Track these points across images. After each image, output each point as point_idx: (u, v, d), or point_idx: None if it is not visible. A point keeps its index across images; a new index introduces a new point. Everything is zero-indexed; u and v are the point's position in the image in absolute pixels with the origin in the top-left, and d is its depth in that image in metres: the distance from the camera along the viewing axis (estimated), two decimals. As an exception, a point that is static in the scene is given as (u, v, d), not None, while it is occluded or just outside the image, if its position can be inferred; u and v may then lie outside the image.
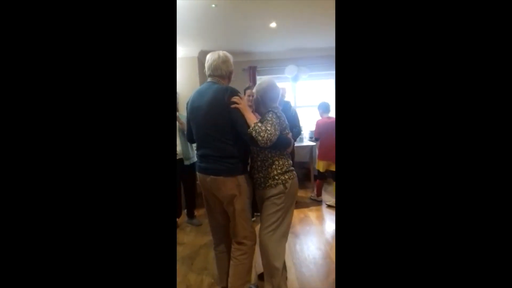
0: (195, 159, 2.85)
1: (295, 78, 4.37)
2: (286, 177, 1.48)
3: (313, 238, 2.48)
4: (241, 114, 1.34)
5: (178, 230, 2.79)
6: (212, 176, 1.41)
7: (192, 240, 2.57)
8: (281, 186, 1.47)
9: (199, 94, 1.46)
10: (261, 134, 1.28)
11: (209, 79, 1.47)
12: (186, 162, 2.75)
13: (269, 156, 1.48)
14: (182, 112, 2.71)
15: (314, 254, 2.19)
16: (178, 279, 1.93)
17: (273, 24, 3.17)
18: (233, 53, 1.52)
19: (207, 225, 2.87)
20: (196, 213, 3.02)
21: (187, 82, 4.10)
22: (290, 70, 4.28)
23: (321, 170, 3.31)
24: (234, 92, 1.38)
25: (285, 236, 1.54)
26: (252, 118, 1.34)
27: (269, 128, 1.30)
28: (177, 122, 2.71)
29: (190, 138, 1.60)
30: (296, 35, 3.64)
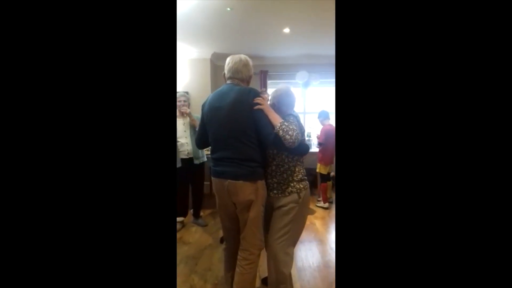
0: (205, 159, 2.89)
1: (306, 84, 4.38)
2: (301, 186, 1.45)
3: (318, 246, 2.46)
4: (265, 115, 1.33)
5: (183, 230, 2.80)
6: (230, 180, 1.37)
7: (197, 240, 2.58)
8: (296, 195, 1.43)
9: (219, 96, 1.43)
10: (289, 132, 1.25)
11: (228, 81, 1.46)
12: (196, 161, 2.77)
13: (286, 161, 1.44)
14: (195, 113, 2.75)
15: (318, 262, 2.17)
16: (182, 278, 1.94)
17: (286, 30, 3.19)
18: (235, 55, 1.51)
19: (212, 226, 2.90)
20: (202, 213, 3.04)
21: (198, 83, 4.15)
22: (301, 76, 4.29)
23: (324, 172, 3.46)
24: (258, 93, 1.37)
25: (294, 244, 1.52)
26: (277, 118, 1.32)
27: (295, 128, 1.29)
28: (188, 122, 2.74)
29: (200, 141, 1.58)
30: (308, 41, 3.65)
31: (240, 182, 1.35)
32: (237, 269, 1.48)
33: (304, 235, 2.64)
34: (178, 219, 2.83)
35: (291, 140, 1.25)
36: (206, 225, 2.90)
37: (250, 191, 1.36)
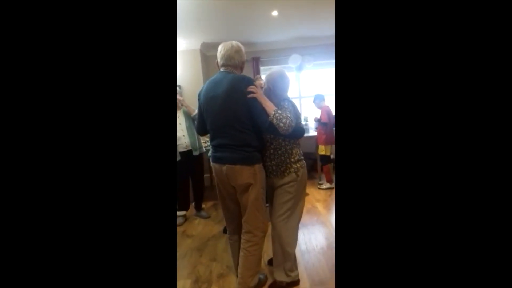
0: (203, 150, 2.89)
1: (299, 68, 4.31)
2: (298, 165, 1.54)
3: (321, 228, 2.48)
4: (259, 103, 1.36)
5: (186, 223, 2.82)
6: (228, 165, 1.41)
7: (200, 232, 2.59)
8: (294, 174, 1.51)
9: (213, 84, 1.45)
10: (283, 121, 1.30)
11: (222, 69, 1.48)
12: (195, 153, 2.76)
13: (283, 144, 1.51)
14: (188, 105, 2.73)
15: (321, 244, 2.19)
16: (188, 270, 1.96)
17: (274, 13, 3.11)
18: (227, 42, 1.50)
19: (215, 217, 2.92)
20: (203, 205, 3.05)
21: (189, 75, 4.09)
22: (293, 59, 4.22)
23: (327, 153, 3.46)
24: (251, 81, 1.40)
25: (297, 222, 1.60)
26: (271, 106, 1.35)
27: (289, 115, 1.33)
28: (182, 114, 2.71)
29: (201, 129, 1.60)
30: (298, 23, 3.57)
31: (238, 166, 1.40)
32: (241, 253, 1.52)
33: (307, 218, 2.66)
34: (181, 213, 2.84)
35: (285, 128, 1.31)
36: (208, 217, 2.92)
37: (248, 175, 1.41)
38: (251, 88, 1.36)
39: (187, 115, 2.74)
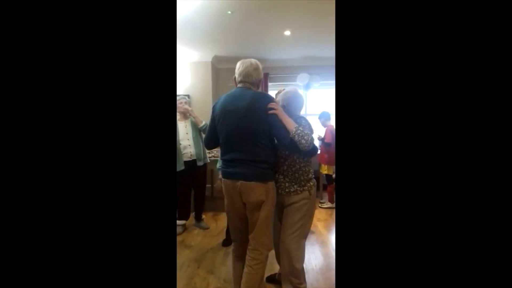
0: (207, 160, 2.91)
1: (307, 86, 4.39)
2: (311, 184, 1.56)
3: (321, 248, 2.45)
4: (279, 120, 1.38)
5: (185, 233, 2.80)
6: (242, 181, 1.40)
7: (199, 243, 2.57)
8: (307, 192, 1.53)
9: (232, 98, 1.46)
10: (305, 137, 1.34)
11: (240, 85, 1.50)
12: (199, 163, 2.78)
13: (297, 161, 1.52)
14: (196, 115, 2.77)
15: (321, 264, 2.16)
16: (184, 281, 1.93)
17: (287, 32, 3.21)
18: (246, 59, 1.55)
19: (214, 229, 2.90)
20: (203, 216, 3.03)
21: (200, 86, 4.17)
22: (302, 78, 4.30)
23: (330, 173, 3.48)
24: (272, 98, 1.46)
25: (305, 238, 1.62)
26: (292, 123, 1.38)
27: (309, 133, 1.38)
28: (189, 124, 2.75)
29: (210, 142, 1.60)
30: (309, 44, 3.67)
31: (252, 183, 1.39)
32: (245, 269, 1.50)
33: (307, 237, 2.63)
34: (180, 222, 2.82)
35: (307, 145, 1.35)
36: (208, 228, 2.90)
37: (261, 192, 1.40)
38: (272, 105, 1.39)
39: (195, 125, 2.78)
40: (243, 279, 1.51)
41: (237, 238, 1.61)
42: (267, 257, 1.52)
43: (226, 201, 1.54)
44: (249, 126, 1.39)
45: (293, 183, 1.53)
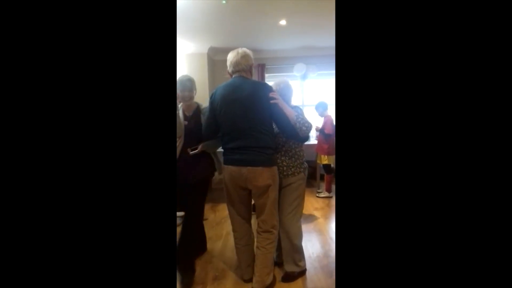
0: None
1: (304, 77, 4.36)
2: (305, 166, 1.76)
3: (318, 236, 2.49)
4: (280, 108, 1.48)
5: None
6: (249, 167, 1.47)
7: (197, 234, 2.60)
8: (302, 174, 1.72)
9: (232, 88, 1.51)
10: (305, 125, 1.48)
11: (235, 75, 1.56)
12: None
13: (293, 147, 1.70)
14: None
15: (318, 252, 2.20)
16: (183, 271, 1.96)
17: (283, 22, 3.17)
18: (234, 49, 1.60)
19: (212, 220, 2.93)
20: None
21: (195, 77, 4.07)
22: (298, 68, 4.27)
23: (330, 163, 3.51)
24: (271, 88, 1.54)
25: (300, 217, 1.79)
26: (292, 112, 1.50)
27: (308, 120, 1.51)
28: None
29: (210, 132, 1.64)
30: (305, 34, 3.63)
31: (260, 168, 1.48)
32: (259, 251, 1.61)
33: (304, 226, 2.66)
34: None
35: (307, 131, 1.50)
36: (206, 219, 2.93)
37: (268, 176, 1.50)
38: (273, 94, 1.48)
39: None
40: (257, 262, 1.61)
41: (241, 227, 1.69)
42: (277, 236, 1.64)
43: (229, 189, 1.59)
44: (254, 115, 1.46)
45: (291, 166, 1.69)
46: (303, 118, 1.49)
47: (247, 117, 1.46)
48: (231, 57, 1.55)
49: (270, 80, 4.50)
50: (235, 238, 1.72)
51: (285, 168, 1.68)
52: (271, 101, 1.46)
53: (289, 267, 1.78)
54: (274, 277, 1.75)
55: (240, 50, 1.55)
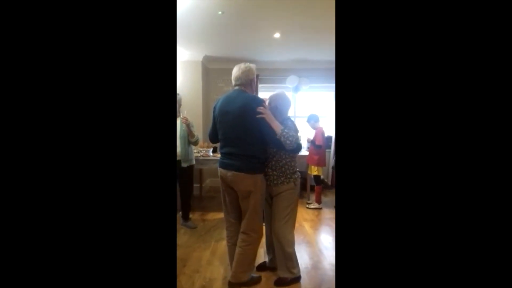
0: (193, 162, 2.88)
1: (296, 89, 4.44)
2: (296, 176, 1.80)
3: (307, 248, 2.48)
4: (267, 122, 1.59)
5: (171, 232, 2.77)
6: (233, 172, 1.63)
7: (185, 242, 2.56)
8: (292, 183, 1.77)
9: (228, 100, 1.70)
10: (290, 138, 1.56)
11: (235, 88, 1.74)
12: (184, 164, 2.75)
13: (283, 157, 1.76)
14: (185, 114, 2.75)
15: (306, 263, 2.19)
16: (170, 280, 1.92)
17: (277, 35, 3.24)
18: (236, 60, 1.73)
19: (201, 228, 2.89)
20: (191, 215, 3.01)
21: (190, 85, 4.15)
22: (291, 80, 4.35)
23: (320, 174, 3.55)
24: (261, 102, 1.64)
25: (294, 226, 1.84)
26: (278, 126, 1.60)
27: (294, 134, 1.59)
28: (181, 125, 2.72)
29: (213, 138, 1.84)
30: (299, 47, 3.72)
31: (242, 174, 1.62)
32: (236, 250, 1.75)
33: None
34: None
35: (291, 145, 1.57)
36: (195, 227, 2.88)
37: (249, 183, 1.63)
38: (260, 109, 1.58)
39: (182, 127, 2.73)
40: (234, 259, 1.75)
41: (231, 226, 1.83)
42: (256, 240, 1.74)
43: (222, 189, 1.78)
44: (241, 127, 1.62)
45: (281, 176, 1.76)
46: (288, 132, 1.56)
47: (236, 128, 1.63)
48: (234, 71, 1.72)
49: (264, 91, 4.56)
50: (226, 236, 1.87)
51: (275, 177, 1.76)
52: (257, 116, 1.57)
53: (282, 273, 1.85)
54: (259, 278, 1.89)
55: (243, 65, 1.70)
